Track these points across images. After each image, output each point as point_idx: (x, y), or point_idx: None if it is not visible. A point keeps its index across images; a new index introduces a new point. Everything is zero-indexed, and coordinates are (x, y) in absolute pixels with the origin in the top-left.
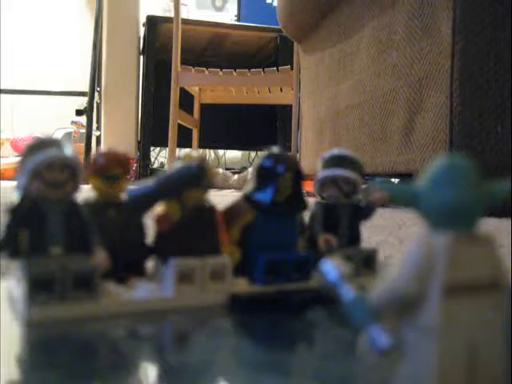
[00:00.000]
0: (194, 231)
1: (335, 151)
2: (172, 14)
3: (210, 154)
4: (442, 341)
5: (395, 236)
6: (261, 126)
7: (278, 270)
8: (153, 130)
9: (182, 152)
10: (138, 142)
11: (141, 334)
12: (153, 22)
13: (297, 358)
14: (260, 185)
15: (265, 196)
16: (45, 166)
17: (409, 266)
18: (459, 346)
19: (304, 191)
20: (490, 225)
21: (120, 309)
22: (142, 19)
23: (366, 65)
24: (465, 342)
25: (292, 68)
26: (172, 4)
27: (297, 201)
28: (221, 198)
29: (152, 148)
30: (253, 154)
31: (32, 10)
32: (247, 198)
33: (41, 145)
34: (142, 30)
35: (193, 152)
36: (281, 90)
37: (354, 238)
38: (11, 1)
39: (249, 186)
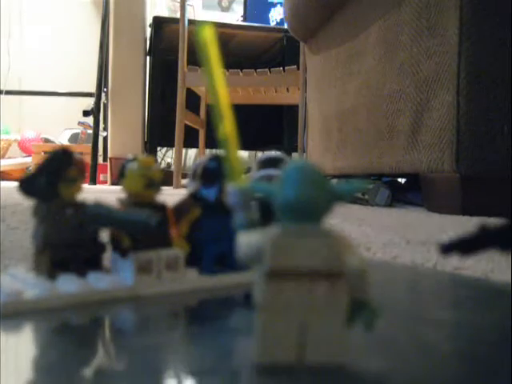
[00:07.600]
0: None
1: (271, 153)
2: (178, 15)
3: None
4: (264, 315)
5: (402, 236)
6: (267, 126)
7: (223, 261)
8: (159, 131)
9: (139, 155)
10: (145, 143)
11: (103, 319)
12: (159, 22)
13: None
14: (205, 184)
15: (210, 195)
16: None
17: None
18: (285, 323)
19: None
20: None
21: (87, 298)
22: (149, 20)
23: (372, 65)
24: (292, 320)
25: (298, 68)
26: (178, 5)
27: None
28: None
29: (159, 148)
30: (260, 154)
31: (40, 12)
32: (194, 196)
33: None
34: (149, 31)
35: (147, 158)
36: (287, 89)
37: None
38: (19, 3)
39: (194, 185)
